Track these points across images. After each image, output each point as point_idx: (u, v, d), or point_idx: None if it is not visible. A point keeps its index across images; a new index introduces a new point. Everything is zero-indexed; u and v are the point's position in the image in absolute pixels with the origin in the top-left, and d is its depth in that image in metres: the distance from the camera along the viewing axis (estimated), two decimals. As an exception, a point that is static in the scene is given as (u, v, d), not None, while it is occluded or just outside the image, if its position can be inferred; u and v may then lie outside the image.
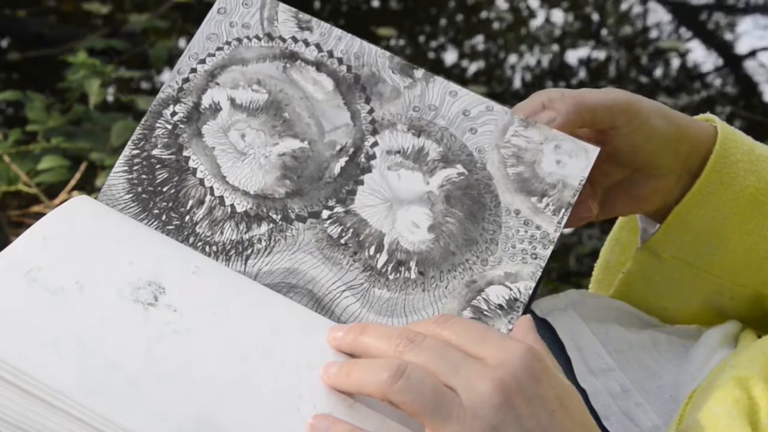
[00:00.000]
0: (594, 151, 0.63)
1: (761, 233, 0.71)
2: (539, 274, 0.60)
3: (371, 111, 0.63)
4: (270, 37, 0.65)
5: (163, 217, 0.62)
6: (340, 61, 0.64)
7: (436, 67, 3.20)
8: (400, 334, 0.55)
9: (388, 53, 0.65)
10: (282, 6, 0.66)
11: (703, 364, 0.68)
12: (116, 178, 0.63)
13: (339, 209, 0.62)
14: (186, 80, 0.65)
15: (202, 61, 0.65)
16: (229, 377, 0.54)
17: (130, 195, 0.63)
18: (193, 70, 0.65)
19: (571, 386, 0.56)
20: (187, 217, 0.62)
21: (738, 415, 0.60)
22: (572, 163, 0.62)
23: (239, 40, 0.65)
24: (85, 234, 0.59)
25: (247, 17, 0.65)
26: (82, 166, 1.96)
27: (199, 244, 0.62)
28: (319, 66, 0.65)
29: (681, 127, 0.69)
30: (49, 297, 0.55)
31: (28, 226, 0.60)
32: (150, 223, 0.62)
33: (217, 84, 0.65)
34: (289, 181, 0.63)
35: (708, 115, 0.73)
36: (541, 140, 0.63)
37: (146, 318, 0.56)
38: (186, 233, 0.62)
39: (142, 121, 0.64)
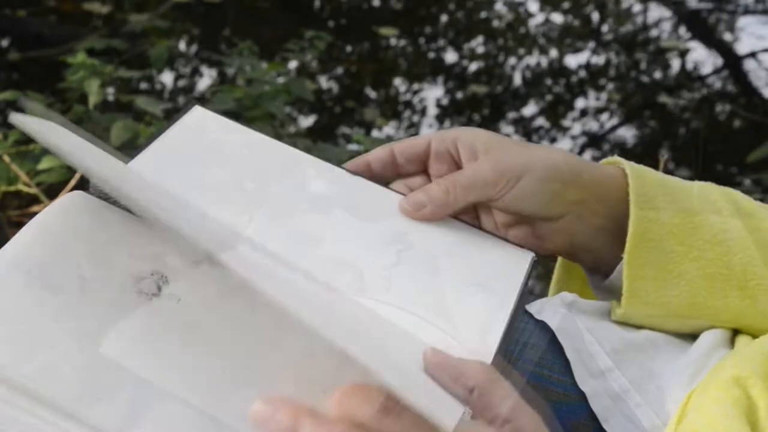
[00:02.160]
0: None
1: (706, 257, 0.70)
2: None
3: None
4: None
5: None
6: None
7: (437, 66, 3.20)
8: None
9: None
10: None
11: (702, 363, 0.68)
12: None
13: None
14: None
15: None
16: (231, 375, 0.54)
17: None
18: None
19: None
20: None
21: (737, 414, 0.60)
22: None
23: None
24: (85, 227, 0.59)
25: None
26: (82, 166, 1.95)
27: None
28: None
29: (568, 176, 0.68)
30: (51, 296, 0.54)
31: (28, 226, 0.59)
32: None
33: None
34: None
35: (615, 158, 0.72)
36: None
37: (150, 311, 0.55)
38: None
39: None
